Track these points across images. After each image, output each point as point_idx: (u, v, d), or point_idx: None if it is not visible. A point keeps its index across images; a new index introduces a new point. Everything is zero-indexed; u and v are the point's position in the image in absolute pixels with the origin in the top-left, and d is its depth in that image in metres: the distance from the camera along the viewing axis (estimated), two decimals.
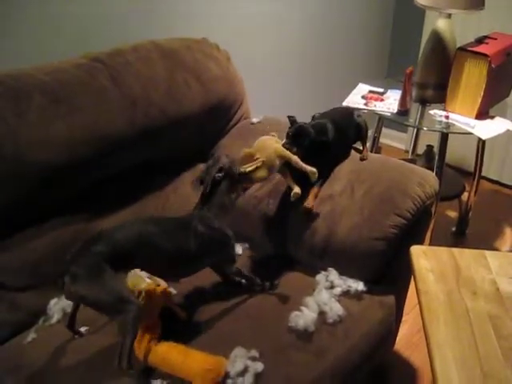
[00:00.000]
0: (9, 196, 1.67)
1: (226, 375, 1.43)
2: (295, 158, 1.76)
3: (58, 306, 1.70)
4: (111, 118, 1.84)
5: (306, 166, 1.76)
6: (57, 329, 1.65)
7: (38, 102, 1.71)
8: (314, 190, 1.90)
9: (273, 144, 1.76)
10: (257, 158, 1.68)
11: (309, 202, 1.88)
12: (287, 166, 1.80)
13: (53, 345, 1.59)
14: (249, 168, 1.66)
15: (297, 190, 1.78)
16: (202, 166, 1.68)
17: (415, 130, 3.40)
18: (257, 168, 1.67)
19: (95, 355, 1.53)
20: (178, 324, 1.63)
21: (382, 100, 2.74)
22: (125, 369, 1.38)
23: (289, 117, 1.90)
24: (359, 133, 2.10)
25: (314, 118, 2.00)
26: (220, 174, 1.61)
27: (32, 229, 1.77)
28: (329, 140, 1.89)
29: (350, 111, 2.15)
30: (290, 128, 1.87)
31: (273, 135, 1.82)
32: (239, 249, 1.99)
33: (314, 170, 1.77)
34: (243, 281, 1.76)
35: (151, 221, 1.62)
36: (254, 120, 2.30)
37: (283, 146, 1.77)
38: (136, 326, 1.43)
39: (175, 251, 1.56)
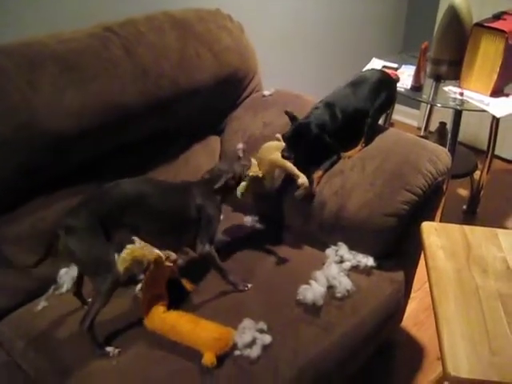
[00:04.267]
0: (21, 164, 1.67)
1: (234, 346, 1.45)
2: (289, 166, 1.79)
3: (68, 275, 1.71)
4: (123, 87, 1.84)
5: (299, 174, 1.78)
6: (67, 297, 1.66)
7: (50, 71, 1.71)
8: (318, 173, 1.90)
9: (269, 154, 1.82)
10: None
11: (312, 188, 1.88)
12: None
13: (63, 313, 1.61)
14: (251, 177, 1.76)
15: (301, 180, 1.79)
16: (217, 166, 1.79)
17: (428, 106, 3.37)
18: (258, 178, 1.79)
19: (103, 323, 1.55)
20: (185, 295, 1.65)
21: (395, 75, 2.71)
22: (85, 330, 1.45)
23: (286, 112, 1.89)
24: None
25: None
26: (233, 182, 1.73)
27: (42, 198, 1.78)
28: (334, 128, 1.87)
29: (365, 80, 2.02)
30: (290, 126, 1.87)
31: (278, 139, 1.87)
32: (249, 220, 2.00)
33: (305, 180, 1.77)
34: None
35: (151, 182, 1.66)
36: (266, 93, 2.28)
37: (282, 153, 1.80)
38: (109, 293, 1.45)
39: (170, 214, 1.60)
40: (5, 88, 1.63)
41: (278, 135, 1.87)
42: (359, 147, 1.92)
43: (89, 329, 1.45)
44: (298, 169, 1.79)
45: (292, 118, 1.87)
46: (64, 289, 1.69)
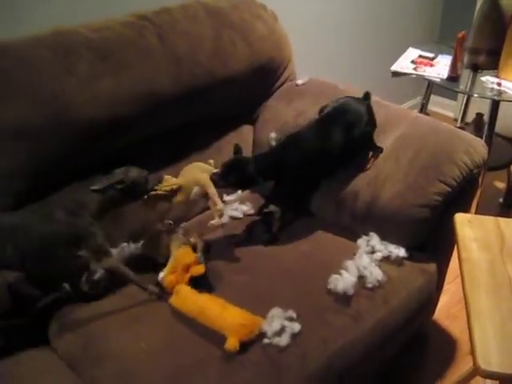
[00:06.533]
0: (55, 151, 1.69)
1: (263, 334, 1.45)
2: (212, 191, 1.72)
3: None
4: (157, 76, 1.85)
5: (217, 201, 1.72)
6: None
7: (85, 59, 1.72)
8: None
9: (196, 172, 1.76)
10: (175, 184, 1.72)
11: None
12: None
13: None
14: (164, 188, 1.68)
15: (219, 206, 1.73)
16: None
17: (465, 97, 3.32)
18: (172, 191, 1.70)
19: (130, 307, 1.60)
20: (216, 281, 1.67)
21: (431, 65, 2.67)
22: None
23: (235, 145, 1.81)
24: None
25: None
26: (118, 186, 1.58)
27: (78, 184, 1.80)
28: (259, 181, 1.77)
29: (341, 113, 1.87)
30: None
31: (209, 163, 1.81)
32: (278, 209, 1.99)
33: (221, 207, 1.72)
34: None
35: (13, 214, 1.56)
36: (300, 82, 2.26)
37: (211, 175, 1.73)
38: None
39: (38, 241, 1.49)
40: (40, 77, 1.65)
41: (211, 161, 1.82)
42: (372, 160, 1.88)
43: None
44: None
45: (236, 151, 1.80)
46: (97, 276, 1.70)
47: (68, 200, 1.56)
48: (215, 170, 1.75)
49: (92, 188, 1.55)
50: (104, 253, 1.57)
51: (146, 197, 1.67)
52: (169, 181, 1.71)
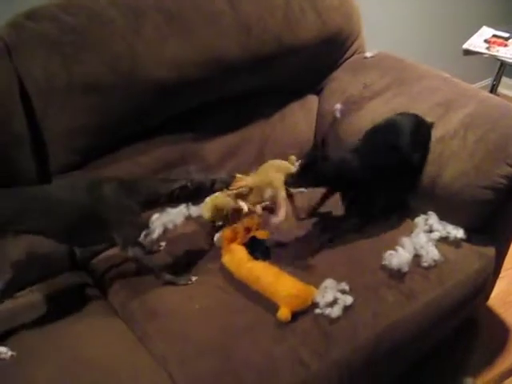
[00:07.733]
0: (122, 109, 1.73)
1: (315, 305, 1.46)
2: (282, 195, 1.70)
3: (160, 221, 1.77)
4: (225, 41, 1.85)
5: (282, 212, 1.70)
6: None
7: (153, 21, 1.75)
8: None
9: (271, 171, 1.74)
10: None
11: None
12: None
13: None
14: (232, 191, 1.66)
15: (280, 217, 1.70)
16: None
17: None
18: (241, 193, 1.69)
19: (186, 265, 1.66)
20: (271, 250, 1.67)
21: (505, 45, 2.58)
22: None
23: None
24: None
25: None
26: (181, 193, 1.55)
27: (141, 144, 1.85)
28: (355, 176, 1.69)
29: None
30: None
31: (290, 159, 1.77)
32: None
33: (282, 216, 1.69)
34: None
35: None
36: (368, 54, 2.21)
37: (286, 179, 1.66)
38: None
39: (75, 213, 1.47)
40: (111, 37, 1.69)
41: (293, 156, 1.77)
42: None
43: None
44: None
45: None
46: (155, 234, 1.74)
47: (122, 181, 1.53)
48: (293, 169, 1.71)
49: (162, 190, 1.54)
50: (132, 243, 1.54)
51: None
52: (240, 181, 1.69)
